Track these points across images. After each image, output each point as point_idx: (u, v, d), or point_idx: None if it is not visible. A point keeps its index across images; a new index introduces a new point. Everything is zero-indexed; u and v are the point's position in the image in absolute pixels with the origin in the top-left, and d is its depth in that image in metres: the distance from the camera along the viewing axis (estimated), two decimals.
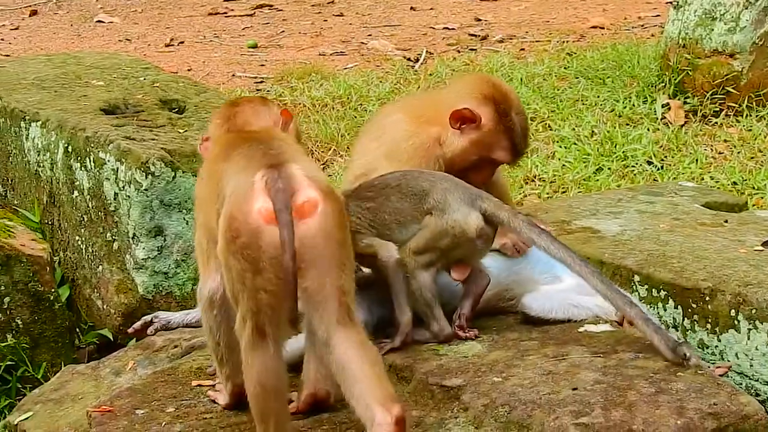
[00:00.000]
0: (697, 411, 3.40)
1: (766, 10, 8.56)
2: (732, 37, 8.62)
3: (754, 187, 7.46)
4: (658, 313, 4.57)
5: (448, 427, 3.55)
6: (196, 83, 6.93)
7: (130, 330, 4.70)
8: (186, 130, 5.97)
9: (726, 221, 5.06)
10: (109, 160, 5.73)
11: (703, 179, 7.55)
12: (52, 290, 5.67)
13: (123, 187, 5.67)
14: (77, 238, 6.02)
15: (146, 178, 5.61)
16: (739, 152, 8.06)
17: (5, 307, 5.56)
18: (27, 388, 5.55)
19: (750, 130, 8.35)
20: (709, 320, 4.46)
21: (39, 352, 5.63)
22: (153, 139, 5.82)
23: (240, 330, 3.38)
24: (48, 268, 5.66)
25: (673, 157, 7.96)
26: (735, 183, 7.52)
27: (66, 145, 5.97)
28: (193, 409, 3.83)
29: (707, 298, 4.47)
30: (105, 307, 5.88)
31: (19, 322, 5.59)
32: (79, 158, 5.90)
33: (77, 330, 5.93)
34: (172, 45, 11.20)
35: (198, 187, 3.81)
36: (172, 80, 6.75)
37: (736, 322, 4.40)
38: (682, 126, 8.46)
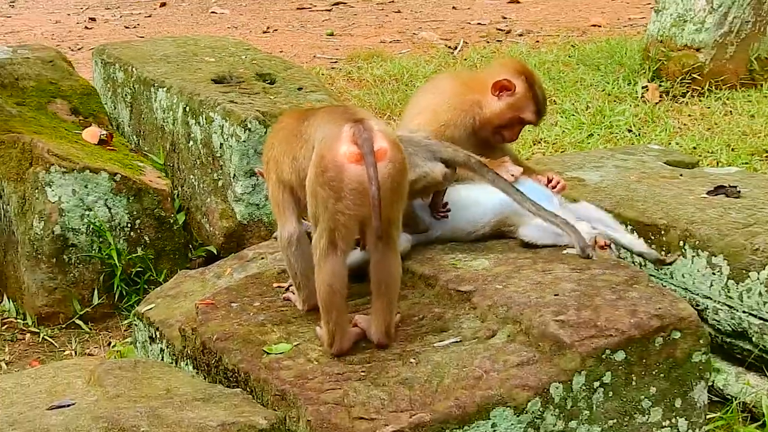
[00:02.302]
0: (646, 313, 3.47)
1: (725, 15, 8.57)
2: (699, 36, 8.63)
3: (709, 152, 7.50)
4: None
5: (461, 320, 3.64)
6: (284, 61, 7.00)
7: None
8: (275, 97, 6.06)
9: (681, 175, 5.10)
10: (216, 118, 5.85)
11: (670, 144, 7.58)
12: (172, 215, 5.80)
13: (227, 138, 5.79)
14: (191, 176, 6.15)
15: (244, 132, 5.72)
16: (699, 124, 8.08)
17: (136, 227, 5.71)
18: (151, 288, 5.72)
19: (709, 107, 8.37)
20: (664, 248, 4.52)
21: (161, 261, 5.77)
22: (250, 103, 5.91)
23: (316, 243, 3.46)
24: (169, 199, 5.79)
25: (648, 127, 8.00)
26: (694, 147, 7.55)
27: (185, 106, 6.09)
28: (273, 304, 3.94)
29: (662, 232, 4.54)
30: (211, 229, 6.02)
31: (147, 239, 5.73)
32: (194, 116, 6.02)
33: (190, 246, 6.06)
34: (269, 32, 11.26)
35: (268, 153, 3.87)
36: (266, 59, 6.82)
37: (683, 250, 4.48)
38: (657, 103, 8.48)
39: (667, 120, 8.10)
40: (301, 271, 3.80)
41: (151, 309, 4.37)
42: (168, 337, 4.15)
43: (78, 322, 5.58)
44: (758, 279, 4.24)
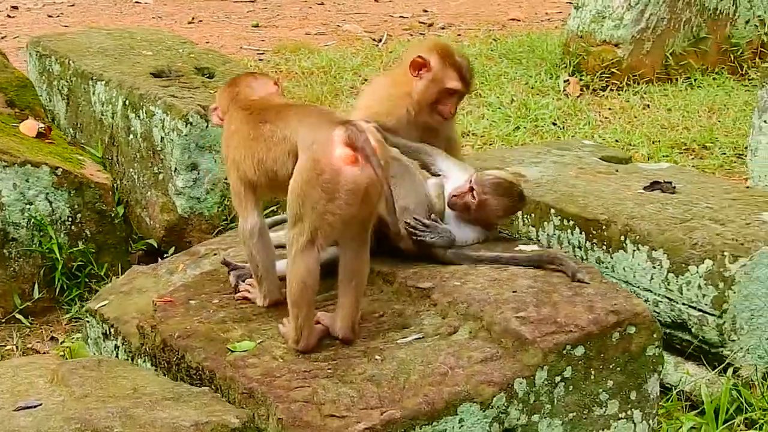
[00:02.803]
0: (602, 309, 3.52)
1: (642, 13, 8.69)
2: (617, 32, 8.74)
3: (630, 144, 7.61)
4: (567, 238, 4.69)
5: (422, 317, 3.65)
6: (222, 55, 6.93)
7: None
8: (215, 91, 5.96)
9: (617, 171, 5.15)
10: (157, 112, 5.78)
11: (593, 137, 7.66)
12: (113, 209, 5.70)
13: (168, 132, 5.72)
14: (131, 170, 6.06)
15: (186, 126, 5.66)
16: (619, 118, 8.19)
17: (78, 221, 5.59)
18: (93, 282, 5.64)
19: (628, 101, 8.48)
20: (605, 243, 4.58)
21: (102, 255, 5.65)
22: (191, 97, 5.85)
23: (294, 239, 3.45)
24: (110, 192, 5.68)
25: (571, 120, 8.08)
26: (617, 140, 7.65)
27: (124, 99, 6.00)
28: (232, 301, 3.90)
29: (604, 227, 4.59)
30: (151, 222, 5.94)
31: (88, 233, 5.62)
32: (134, 110, 5.93)
33: (130, 240, 5.99)
34: (194, 22, 11.11)
35: (226, 151, 3.84)
36: (203, 52, 6.75)
37: (624, 245, 4.52)
38: (578, 97, 8.57)
39: (589, 113, 8.19)
40: (262, 263, 3.79)
41: (104, 305, 4.29)
42: (124, 333, 4.09)
43: (18, 316, 5.47)
44: (697, 272, 4.31)
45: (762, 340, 4.33)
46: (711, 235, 4.34)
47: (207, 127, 5.69)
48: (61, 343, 5.14)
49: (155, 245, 5.89)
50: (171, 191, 5.80)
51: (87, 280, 5.62)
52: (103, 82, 6.14)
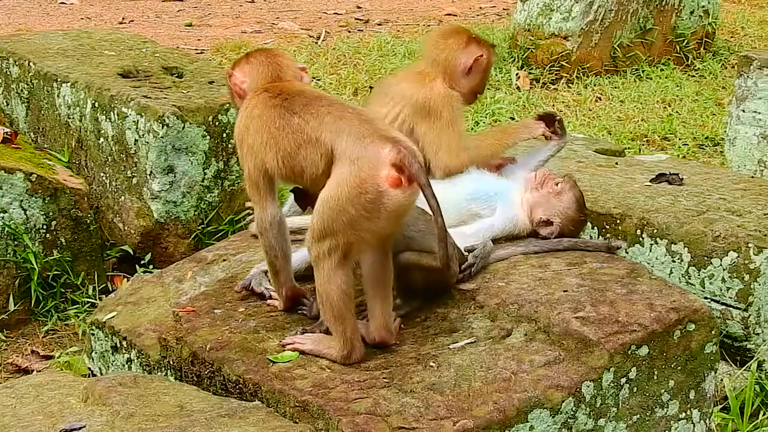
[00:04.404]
0: (662, 306, 3.40)
1: (590, 5, 8.66)
2: (566, 24, 8.69)
3: (591, 137, 7.53)
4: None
5: (470, 320, 3.48)
6: (187, 54, 6.68)
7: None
8: (188, 91, 5.77)
9: (616, 164, 5.07)
10: (130, 114, 5.52)
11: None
12: (89, 215, 5.43)
13: (142, 135, 5.48)
14: (102, 174, 5.79)
15: (162, 128, 5.42)
16: (575, 111, 8.13)
17: (53, 228, 5.31)
18: (69, 292, 5.37)
19: (580, 94, 8.44)
20: (620, 238, 4.46)
21: (78, 263, 5.38)
22: (165, 98, 5.61)
23: (325, 254, 3.25)
24: (86, 198, 5.41)
25: (527, 113, 7.98)
26: (579, 134, 7.57)
27: (94, 101, 5.72)
28: (260, 309, 3.70)
29: (618, 221, 4.49)
30: (126, 228, 5.68)
31: (63, 240, 5.35)
32: (104, 112, 5.67)
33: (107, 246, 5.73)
34: (124, 23, 10.78)
35: (242, 136, 3.57)
36: (168, 51, 6.49)
37: (641, 239, 4.43)
38: (529, 90, 8.49)
39: (545, 107, 8.11)
40: (281, 253, 3.60)
41: (113, 317, 4.04)
42: (140, 346, 3.85)
43: None
44: (721, 265, 4.22)
45: None
46: (732, 226, 4.27)
47: (183, 128, 5.47)
48: (58, 358, 4.85)
49: (131, 252, 5.63)
50: (146, 195, 5.55)
51: (63, 290, 5.35)
52: (69, 84, 5.84)
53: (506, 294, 3.51)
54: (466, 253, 3.67)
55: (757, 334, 4.22)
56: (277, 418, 3.07)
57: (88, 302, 5.34)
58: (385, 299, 3.41)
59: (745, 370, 4.21)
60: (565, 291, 3.48)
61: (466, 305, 3.55)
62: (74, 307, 5.34)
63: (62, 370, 4.55)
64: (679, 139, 7.51)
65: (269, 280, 3.76)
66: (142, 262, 5.59)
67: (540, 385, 3.14)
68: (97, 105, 5.71)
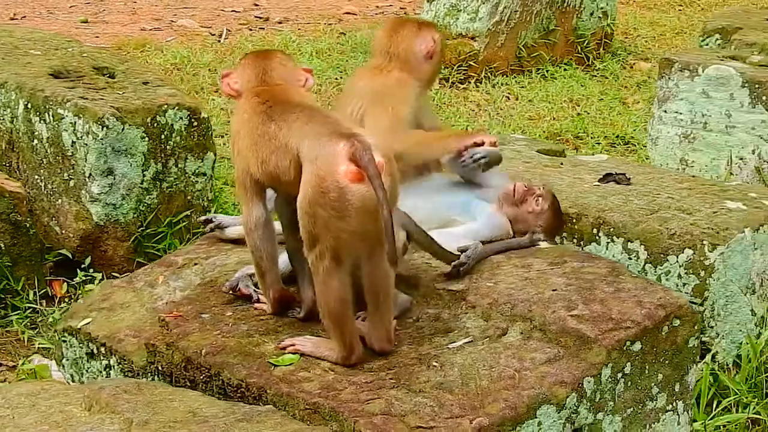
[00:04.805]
0: (651, 303, 3.52)
1: (497, 6, 8.83)
2: (473, 25, 8.85)
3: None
4: None
5: (463, 320, 3.56)
6: (114, 53, 6.60)
7: (199, 219, 4.51)
8: (124, 92, 5.71)
9: (561, 164, 5.20)
10: (67, 116, 5.46)
11: (466, 129, 7.70)
12: (28, 219, 5.33)
13: (80, 137, 5.42)
14: (36, 177, 5.70)
15: (102, 129, 5.37)
16: (485, 110, 8.29)
17: None
18: (8, 298, 5.28)
19: (489, 93, 8.59)
20: (575, 236, 4.61)
21: (17, 269, 5.29)
22: (102, 99, 5.55)
23: (316, 263, 3.28)
24: (24, 202, 5.31)
25: (442, 113, 8.09)
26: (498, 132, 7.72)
27: (26, 102, 5.63)
28: (249, 313, 3.70)
29: (574, 220, 4.62)
30: (63, 232, 5.61)
31: (2, 245, 5.24)
32: (38, 113, 5.58)
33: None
34: (16, 18, 10.54)
35: (234, 139, 3.61)
36: (95, 51, 6.41)
37: (597, 238, 4.58)
38: (438, 90, 8.61)
39: (458, 107, 8.25)
40: (267, 255, 3.61)
41: (88, 323, 4.00)
42: (121, 352, 3.82)
43: None
44: (677, 262, 4.40)
45: (734, 324, 4.46)
46: (686, 225, 4.45)
47: (123, 129, 5.44)
48: (21, 366, 4.76)
49: (70, 256, 5.56)
50: (85, 198, 5.49)
51: (2, 296, 5.26)
52: None
53: (497, 294, 3.60)
54: (458, 253, 3.75)
55: (712, 327, 4.41)
56: (294, 421, 3.11)
57: (30, 308, 5.27)
58: (384, 309, 3.42)
59: (700, 362, 4.38)
60: (554, 290, 3.58)
61: (457, 305, 3.63)
62: (15, 313, 5.25)
63: (28, 378, 4.49)
64: (591, 137, 7.72)
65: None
66: (83, 266, 5.52)
67: (545, 381, 3.24)
68: (30, 106, 5.63)
